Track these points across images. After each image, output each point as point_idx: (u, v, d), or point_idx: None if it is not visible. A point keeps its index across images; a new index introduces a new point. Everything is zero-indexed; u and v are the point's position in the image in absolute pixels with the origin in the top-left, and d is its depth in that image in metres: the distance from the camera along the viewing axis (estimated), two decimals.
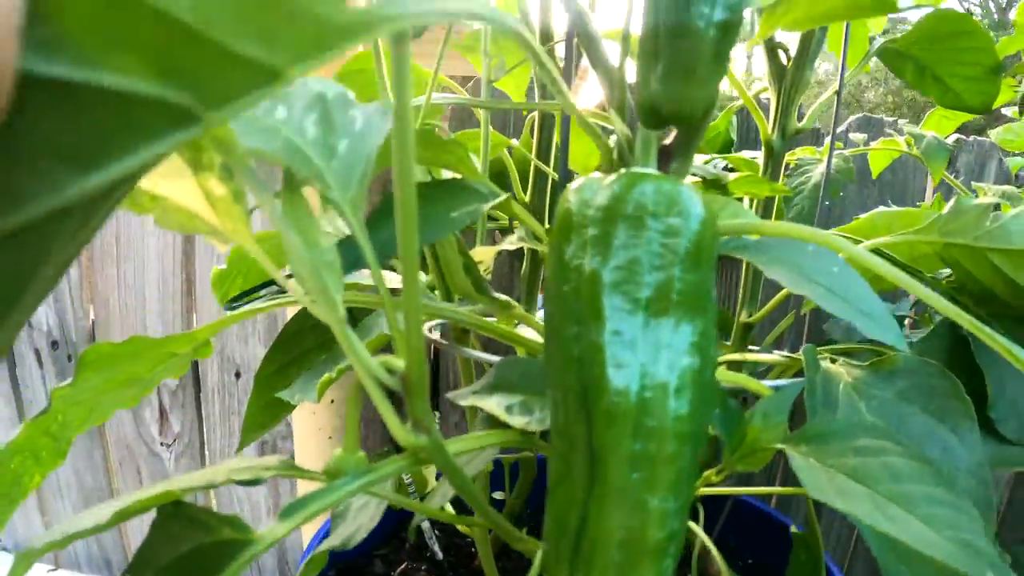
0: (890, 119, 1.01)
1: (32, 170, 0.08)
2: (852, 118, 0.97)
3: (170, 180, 0.15)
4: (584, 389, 0.18)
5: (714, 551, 0.23)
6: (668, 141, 0.25)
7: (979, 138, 1.15)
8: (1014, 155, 1.18)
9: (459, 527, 0.41)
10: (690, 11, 0.21)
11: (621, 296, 0.18)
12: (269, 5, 0.08)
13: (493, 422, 0.23)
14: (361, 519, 0.25)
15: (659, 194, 0.19)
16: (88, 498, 0.93)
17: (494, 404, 0.22)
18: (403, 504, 0.21)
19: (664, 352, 0.18)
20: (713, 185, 0.36)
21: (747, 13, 0.34)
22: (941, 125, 0.89)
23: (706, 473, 0.27)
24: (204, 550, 0.19)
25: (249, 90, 0.09)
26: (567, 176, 0.26)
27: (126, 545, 0.99)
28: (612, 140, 0.26)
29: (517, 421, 0.22)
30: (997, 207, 0.46)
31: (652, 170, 0.20)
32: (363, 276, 0.36)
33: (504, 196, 0.23)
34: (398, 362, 0.16)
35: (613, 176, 0.20)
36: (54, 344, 0.87)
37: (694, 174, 0.38)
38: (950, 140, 1.12)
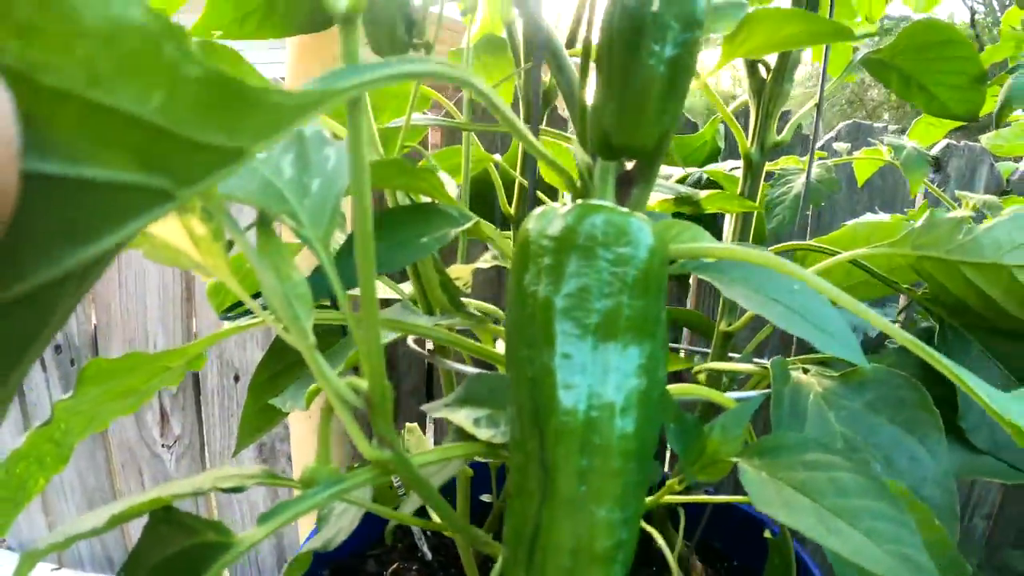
0: (880, 125, 1.02)
1: (34, 248, 0.09)
2: (841, 124, 0.98)
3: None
4: (536, 408, 0.19)
5: (671, 559, 0.25)
6: (630, 167, 0.27)
7: (970, 143, 1.16)
8: (1005, 160, 1.19)
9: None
10: (640, 49, 0.22)
11: (572, 322, 0.20)
12: (227, 102, 0.10)
13: (463, 434, 0.24)
14: (341, 523, 0.27)
15: (609, 225, 0.20)
16: (91, 499, 0.95)
17: (463, 417, 0.24)
18: (377, 511, 0.23)
19: (612, 375, 0.20)
20: (685, 202, 0.38)
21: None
22: (929, 132, 0.90)
23: (669, 482, 0.29)
24: (190, 551, 0.20)
25: (216, 170, 0.11)
26: (535, 202, 0.28)
27: (127, 544, 1.01)
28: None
29: (483, 434, 0.23)
30: (982, 218, 0.47)
31: (605, 201, 0.22)
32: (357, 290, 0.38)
33: (474, 220, 0.25)
34: (362, 383, 0.18)
35: (568, 207, 0.21)
36: (57, 348, 0.89)
37: (671, 192, 0.39)
38: (940, 145, 1.13)
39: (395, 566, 0.53)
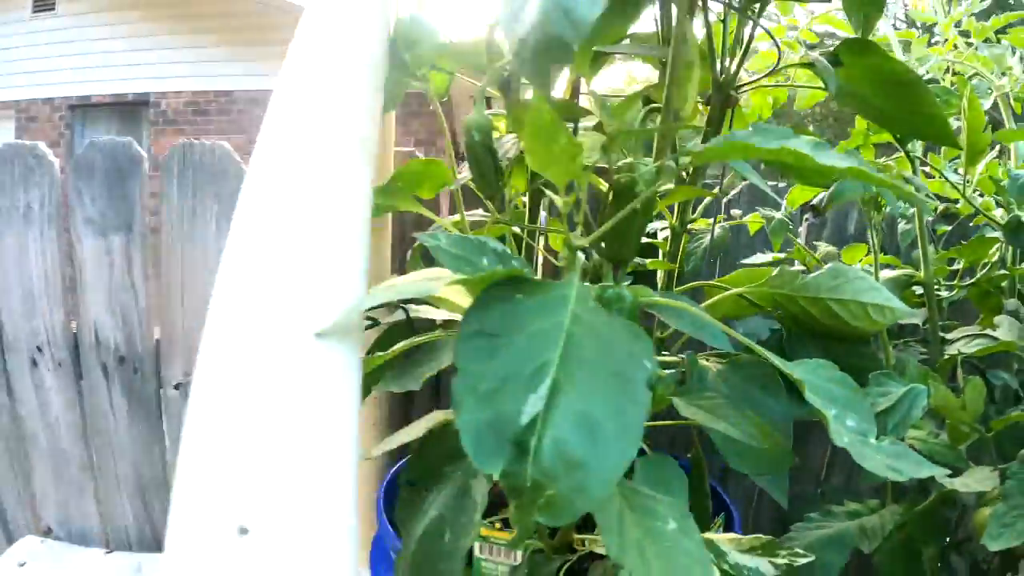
0: (771, 183, 1.36)
1: None
2: (742, 185, 1.31)
3: None
4: None
5: None
6: None
7: None
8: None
9: None
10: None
11: None
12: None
13: None
14: None
15: None
16: (145, 489, 1.11)
17: None
18: None
19: None
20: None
21: None
22: (803, 194, 1.25)
23: None
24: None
25: None
26: None
27: None
28: None
29: None
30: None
31: None
32: None
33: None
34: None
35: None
36: (121, 360, 1.05)
37: None
38: (822, 195, 1.49)
39: None
